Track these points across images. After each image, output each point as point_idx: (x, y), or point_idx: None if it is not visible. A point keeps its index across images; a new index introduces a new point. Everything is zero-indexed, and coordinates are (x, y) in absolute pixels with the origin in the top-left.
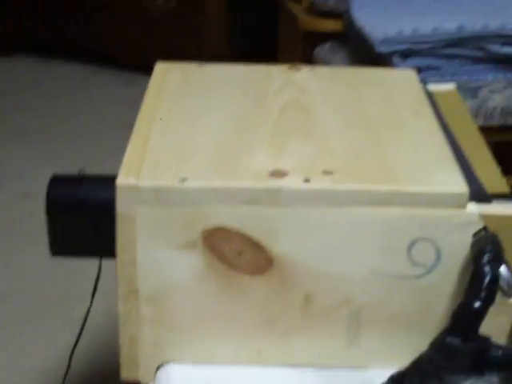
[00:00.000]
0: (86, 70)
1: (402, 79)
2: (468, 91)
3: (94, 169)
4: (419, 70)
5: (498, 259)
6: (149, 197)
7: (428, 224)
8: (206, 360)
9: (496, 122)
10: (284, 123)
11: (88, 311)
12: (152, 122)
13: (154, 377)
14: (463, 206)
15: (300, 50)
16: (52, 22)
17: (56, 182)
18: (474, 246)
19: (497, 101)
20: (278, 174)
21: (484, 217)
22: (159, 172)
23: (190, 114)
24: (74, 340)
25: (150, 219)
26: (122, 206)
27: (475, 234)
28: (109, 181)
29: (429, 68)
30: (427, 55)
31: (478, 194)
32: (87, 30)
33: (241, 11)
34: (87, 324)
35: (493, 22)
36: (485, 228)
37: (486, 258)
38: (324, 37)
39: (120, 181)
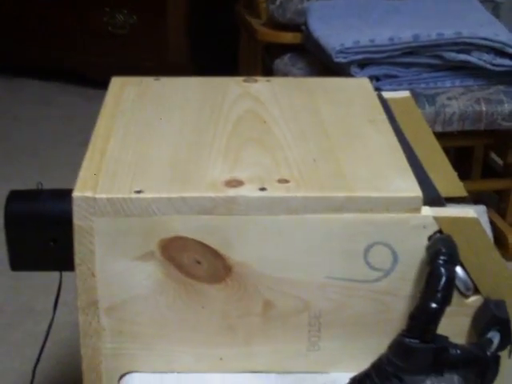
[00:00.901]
0: (50, 87)
1: (357, 88)
2: (426, 98)
3: (54, 185)
4: (377, 79)
5: (453, 261)
6: (105, 209)
7: (383, 228)
8: (168, 369)
9: (454, 127)
10: (240, 133)
11: (50, 324)
12: (108, 135)
13: None
14: (418, 210)
15: (260, 61)
16: (15, 40)
17: (14, 197)
18: (429, 248)
19: (454, 107)
20: (233, 183)
21: (438, 219)
22: (116, 184)
23: (146, 126)
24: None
25: (108, 231)
26: (79, 218)
27: (430, 237)
28: (66, 194)
29: (386, 77)
30: (384, 64)
31: (432, 198)
32: (50, 47)
33: (202, 25)
34: (52, 337)
35: (448, 30)
36: (439, 230)
37: (441, 259)
38: (284, 48)
39: (77, 193)
